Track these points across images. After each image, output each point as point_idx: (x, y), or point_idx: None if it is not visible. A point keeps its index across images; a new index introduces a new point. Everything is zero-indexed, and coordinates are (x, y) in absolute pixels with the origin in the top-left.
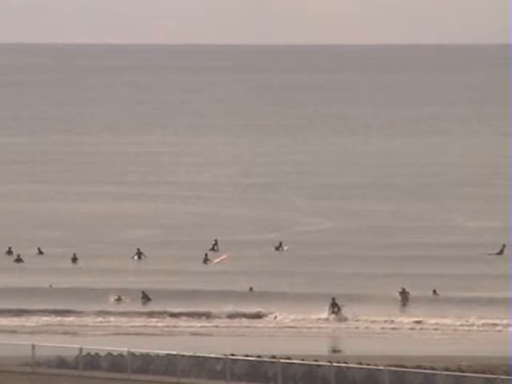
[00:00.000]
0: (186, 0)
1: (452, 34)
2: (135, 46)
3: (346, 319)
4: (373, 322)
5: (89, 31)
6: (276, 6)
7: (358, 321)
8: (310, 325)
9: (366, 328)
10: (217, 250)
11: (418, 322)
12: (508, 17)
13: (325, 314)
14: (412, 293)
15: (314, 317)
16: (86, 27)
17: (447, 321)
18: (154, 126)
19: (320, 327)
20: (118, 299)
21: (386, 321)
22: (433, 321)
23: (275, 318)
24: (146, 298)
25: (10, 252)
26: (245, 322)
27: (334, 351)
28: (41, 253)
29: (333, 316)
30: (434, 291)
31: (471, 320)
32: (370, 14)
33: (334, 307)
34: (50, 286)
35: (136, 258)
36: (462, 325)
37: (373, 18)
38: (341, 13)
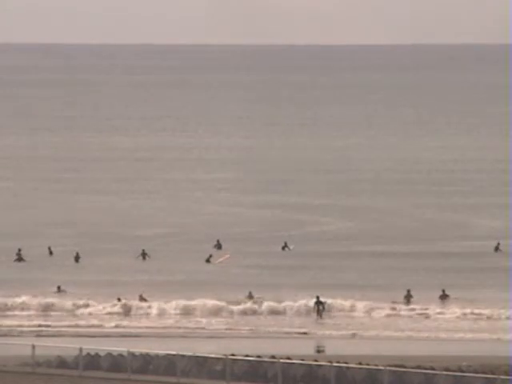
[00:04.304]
0: (186, 0)
1: (452, 34)
2: (135, 46)
3: (330, 316)
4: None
5: (89, 31)
6: (276, 6)
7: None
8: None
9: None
10: (220, 250)
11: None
12: (508, 17)
13: (308, 312)
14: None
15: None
16: (85, 27)
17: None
18: (157, 126)
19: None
20: (118, 300)
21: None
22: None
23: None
24: (143, 300)
25: (19, 254)
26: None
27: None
28: (51, 253)
29: (317, 314)
30: (443, 291)
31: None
32: (370, 14)
33: (319, 305)
34: (58, 287)
35: (141, 258)
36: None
37: (373, 18)
38: (341, 13)
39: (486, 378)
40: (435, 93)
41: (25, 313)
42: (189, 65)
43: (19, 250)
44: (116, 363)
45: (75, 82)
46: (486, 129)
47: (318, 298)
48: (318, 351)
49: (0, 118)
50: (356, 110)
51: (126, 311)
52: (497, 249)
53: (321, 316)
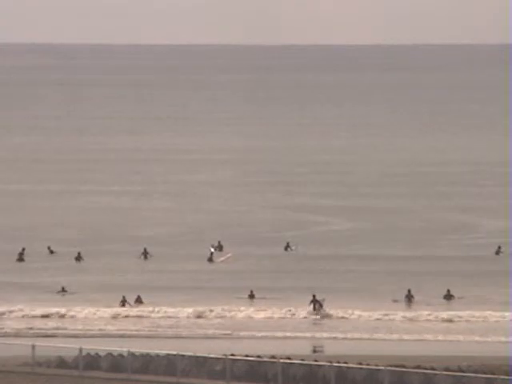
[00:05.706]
0: (186, 0)
1: (452, 34)
2: (135, 46)
3: (328, 315)
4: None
5: (89, 31)
6: (276, 6)
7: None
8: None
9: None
10: (221, 251)
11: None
12: (508, 17)
13: (306, 311)
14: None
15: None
16: (85, 27)
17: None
18: (157, 126)
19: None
20: (123, 301)
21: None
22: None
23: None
24: (139, 301)
25: (22, 254)
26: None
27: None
28: (51, 252)
29: (314, 312)
30: (448, 291)
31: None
32: (370, 14)
33: (316, 304)
34: (62, 288)
35: (142, 257)
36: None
37: (373, 18)
38: (341, 13)
39: (486, 378)
40: (436, 93)
41: (25, 313)
42: (189, 65)
43: (23, 250)
44: (116, 363)
45: (75, 82)
46: (488, 129)
47: (314, 296)
48: (315, 351)
49: (0, 118)
50: (357, 110)
51: (127, 312)
52: (498, 252)
53: (318, 314)
